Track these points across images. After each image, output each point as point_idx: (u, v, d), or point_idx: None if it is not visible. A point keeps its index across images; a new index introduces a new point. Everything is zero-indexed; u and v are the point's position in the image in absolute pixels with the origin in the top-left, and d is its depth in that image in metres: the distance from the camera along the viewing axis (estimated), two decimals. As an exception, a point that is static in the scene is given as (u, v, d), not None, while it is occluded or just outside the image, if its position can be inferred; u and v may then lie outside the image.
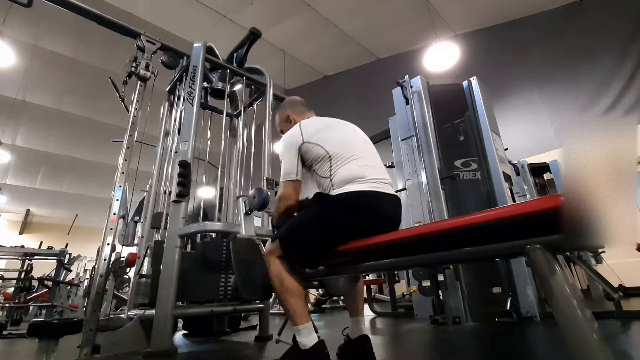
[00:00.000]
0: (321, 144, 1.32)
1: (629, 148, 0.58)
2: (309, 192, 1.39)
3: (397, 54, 7.48)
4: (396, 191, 1.40)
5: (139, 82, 2.37)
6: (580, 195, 0.58)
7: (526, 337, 2.00)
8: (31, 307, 5.55)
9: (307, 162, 1.36)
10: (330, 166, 1.29)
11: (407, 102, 3.31)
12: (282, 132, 1.61)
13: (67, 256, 5.76)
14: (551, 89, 5.61)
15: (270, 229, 2.40)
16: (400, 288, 5.60)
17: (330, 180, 1.28)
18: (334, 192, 1.25)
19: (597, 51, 5.19)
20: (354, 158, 1.29)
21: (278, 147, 1.43)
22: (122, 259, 2.65)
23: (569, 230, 0.62)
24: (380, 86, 5.66)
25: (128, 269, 2.98)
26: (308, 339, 1.12)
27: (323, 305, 5.13)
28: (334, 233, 1.21)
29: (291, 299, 1.20)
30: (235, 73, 2.89)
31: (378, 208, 1.23)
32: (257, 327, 2.35)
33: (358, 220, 1.20)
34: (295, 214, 1.40)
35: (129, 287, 4.45)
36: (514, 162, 4.37)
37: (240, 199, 2.05)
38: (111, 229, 2.01)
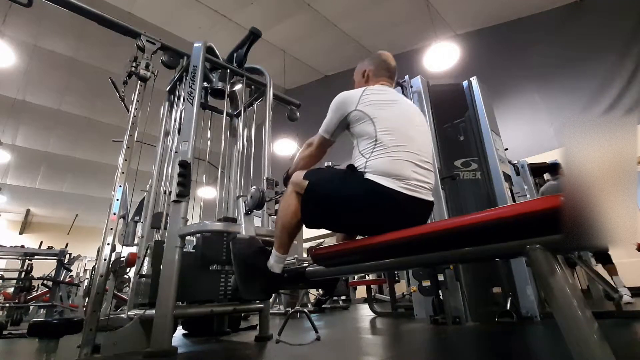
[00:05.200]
0: (374, 121, 1.23)
1: (629, 148, 0.58)
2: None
3: (397, 54, 7.40)
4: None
5: (139, 82, 2.37)
6: (581, 195, 0.58)
7: (526, 337, 2.00)
8: (31, 307, 5.55)
9: (352, 127, 1.30)
10: (373, 149, 1.21)
11: (407, 102, 3.30)
12: (354, 82, 1.56)
13: (67, 256, 5.76)
14: (551, 89, 5.61)
15: (270, 228, 2.41)
16: (400, 288, 5.60)
17: (367, 161, 1.20)
18: (367, 175, 1.19)
19: (597, 51, 5.19)
20: (400, 149, 1.19)
21: (334, 99, 1.36)
22: (122, 259, 2.64)
23: (569, 230, 0.62)
24: (380, 86, 5.64)
25: (128, 269, 2.97)
26: (277, 266, 1.33)
27: (323, 305, 5.13)
28: (349, 215, 1.22)
29: (284, 229, 1.31)
30: (235, 73, 2.89)
31: (402, 213, 1.16)
32: (257, 327, 2.35)
33: (377, 217, 1.16)
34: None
35: (129, 287, 4.45)
36: (514, 162, 4.36)
37: (240, 199, 2.05)
38: (111, 229, 2.01)
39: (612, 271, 3.32)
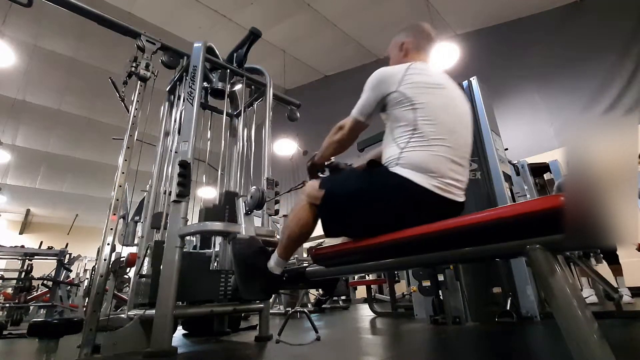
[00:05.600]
0: (416, 106, 1.09)
1: (629, 147, 0.58)
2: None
3: (397, 54, 7.47)
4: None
5: (139, 82, 2.38)
6: (582, 194, 0.58)
7: (526, 337, 2.00)
8: (31, 307, 5.55)
9: (388, 110, 1.16)
10: (410, 138, 1.09)
11: (407, 102, 3.30)
12: (388, 57, 1.39)
13: (67, 256, 5.76)
14: (551, 89, 5.61)
15: (270, 228, 2.41)
16: (400, 288, 5.60)
17: (401, 152, 1.09)
18: (395, 169, 1.09)
19: (597, 51, 5.19)
20: (440, 142, 1.07)
21: (371, 76, 1.20)
22: (122, 259, 2.65)
23: (570, 230, 0.62)
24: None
25: (128, 269, 2.97)
26: (276, 268, 1.32)
27: (323, 305, 5.13)
28: (372, 216, 1.11)
29: (290, 238, 1.29)
30: (235, 73, 2.89)
31: (429, 214, 1.02)
32: (257, 327, 2.35)
33: (401, 217, 1.04)
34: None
35: (129, 287, 4.45)
36: (514, 162, 4.36)
37: (241, 199, 2.05)
38: (111, 229, 2.01)
39: (617, 271, 3.31)
